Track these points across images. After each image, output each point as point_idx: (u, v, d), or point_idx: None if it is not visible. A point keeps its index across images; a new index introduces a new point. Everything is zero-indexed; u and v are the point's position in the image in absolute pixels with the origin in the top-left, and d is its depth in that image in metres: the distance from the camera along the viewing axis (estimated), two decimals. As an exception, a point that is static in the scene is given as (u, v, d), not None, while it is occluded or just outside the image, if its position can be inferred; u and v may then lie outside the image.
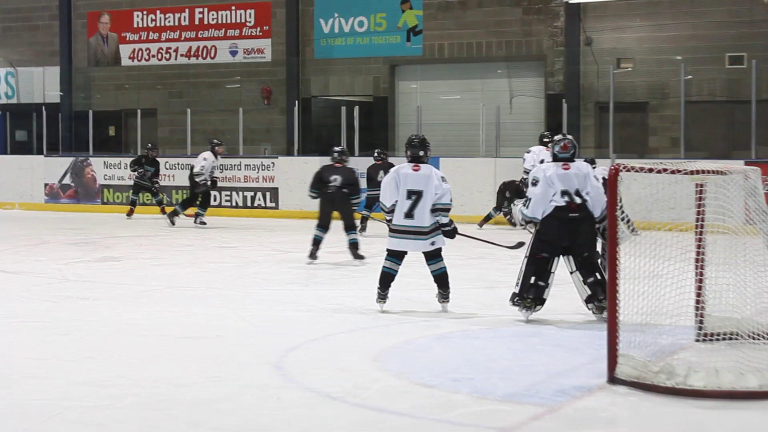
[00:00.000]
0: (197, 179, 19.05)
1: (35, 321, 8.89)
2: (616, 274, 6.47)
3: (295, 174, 21.05)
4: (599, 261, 8.84)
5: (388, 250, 9.46)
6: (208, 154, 19.19)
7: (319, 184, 13.47)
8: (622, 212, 8.68)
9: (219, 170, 20.01)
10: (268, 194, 21.44)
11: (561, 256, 8.84)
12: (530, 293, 8.77)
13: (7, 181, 24.27)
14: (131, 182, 21.54)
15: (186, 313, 9.35)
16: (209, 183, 19.11)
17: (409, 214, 9.21)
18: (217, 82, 26.14)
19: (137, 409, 5.95)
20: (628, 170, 6.53)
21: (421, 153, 9.41)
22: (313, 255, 13.18)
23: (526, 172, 16.85)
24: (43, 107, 25.32)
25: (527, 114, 22.98)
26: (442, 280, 9.41)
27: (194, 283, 11.42)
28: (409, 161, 9.45)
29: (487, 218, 18.20)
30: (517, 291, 8.87)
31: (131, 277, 11.96)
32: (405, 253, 9.44)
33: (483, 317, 9.10)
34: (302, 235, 17.37)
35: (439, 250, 9.37)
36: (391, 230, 9.40)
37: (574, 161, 8.92)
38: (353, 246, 13.39)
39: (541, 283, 8.78)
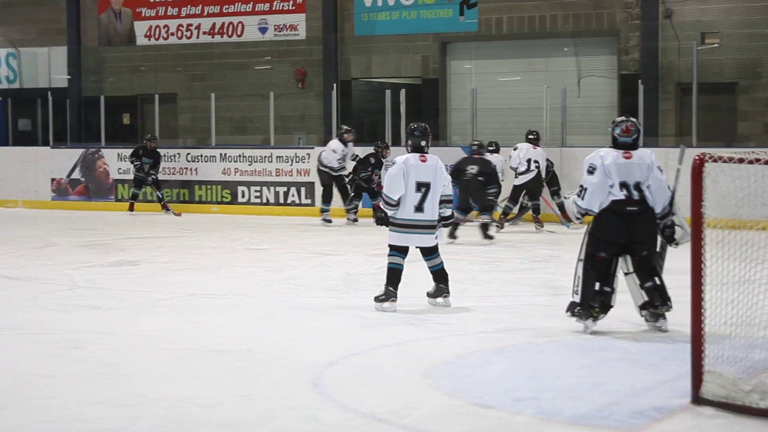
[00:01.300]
0: (341, 173, 19.45)
1: (42, 333, 8.97)
2: (701, 279, 6.43)
3: (333, 166, 21.11)
4: (658, 262, 8.82)
5: (391, 246, 9.97)
6: (336, 144, 19.40)
7: (456, 173, 15.98)
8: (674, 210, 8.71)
9: (352, 159, 19.86)
10: (303, 189, 21.51)
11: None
12: (596, 301, 8.69)
13: (9, 176, 24.50)
14: (132, 176, 22.38)
15: (211, 323, 9.40)
16: (346, 174, 19.51)
17: (419, 208, 9.79)
18: (245, 63, 26.26)
19: None
20: (715, 160, 6.48)
21: (423, 143, 10.01)
22: (452, 235, 15.84)
23: (512, 169, 18.43)
24: (49, 92, 25.53)
25: (598, 97, 22.88)
26: (442, 274, 10.05)
27: (220, 290, 11.48)
28: (410, 152, 10.00)
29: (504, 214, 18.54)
30: (577, 300, 8.77)
31: (149, 283, 12.05)
32: (408, 247, 10.00)
33: (548, 328, 9.06)
34: (342, 235, 17.47)
35: (437, 245, 10.00)
36: (394, 224, 9.90)
37: (636, 148, 8.84)
38: (484, 227, 16.16)
39: (607, 289, 8.71)
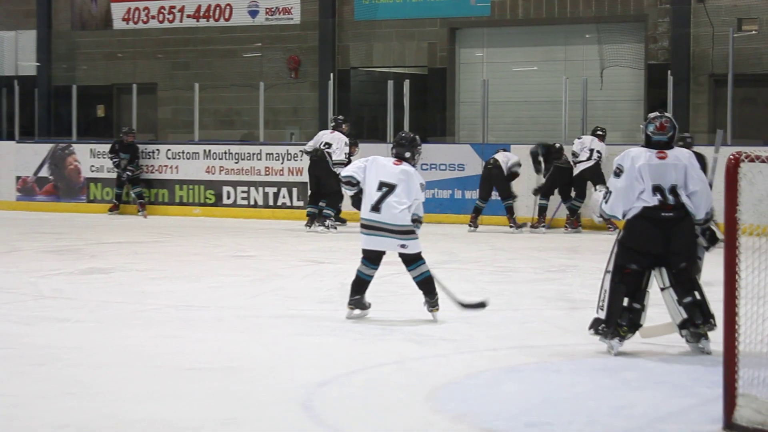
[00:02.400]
0: (337, 170, 18.71)
1: (3, 348, 8.94)
2: (735, 292, 6.41)
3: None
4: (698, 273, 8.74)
5: (362, 250, 10.14)
6: (342, 137, 19.23)
7: None
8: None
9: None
10: (295, 190, 21.51)
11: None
12: (624, 319, 8.55)
13: (-30, 174, 24.50)
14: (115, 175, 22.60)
15: (191, 338, 9.38)
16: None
17: (375, 207, 9.91)
18: (233, 50, 26.28)
19: (130, 458, 5.99)
20: (752, 160, 6.46)
21: (408, 154, 10.16)
22: None
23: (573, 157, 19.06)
24: (15, 81, 25.54)
25: (622, 89, 22.90)
26: (425, 286, 10.04)
27: (202, 301, 11.48)
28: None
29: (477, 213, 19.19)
30: (602, 317, 8.63)
31: (123, 293, 12.03)
32: (380, 254, 10.08)
33: (564, 346, 9.05)
34: (337, 241, 17.44)
35: (418, 254, 10.01)
36: (361, 225, 10.11)
37: (672, 147, 8.75)
38: None
39: (637, 306, 8.57)
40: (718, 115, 21.31)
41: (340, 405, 7.09)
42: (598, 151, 18.76)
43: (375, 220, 9.92)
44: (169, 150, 22.75)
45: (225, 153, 22.16)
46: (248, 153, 21.94)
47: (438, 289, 10.04)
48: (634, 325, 8.59)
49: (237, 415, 6.76)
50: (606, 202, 8.66)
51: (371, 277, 10.14)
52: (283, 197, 21.64)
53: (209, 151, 22.39)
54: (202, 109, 23.69)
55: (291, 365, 8.32)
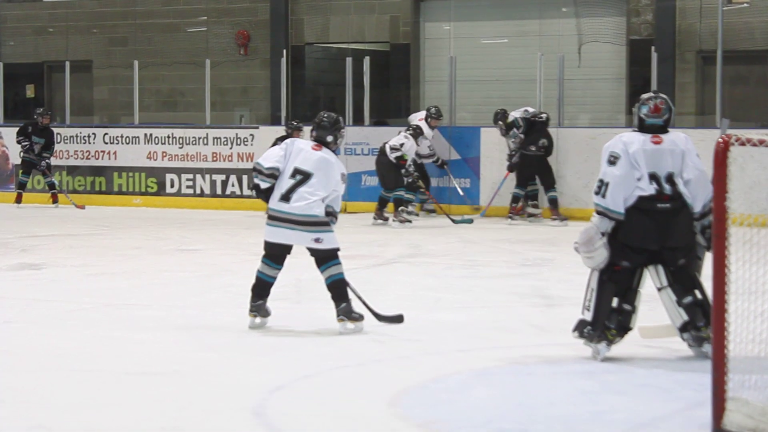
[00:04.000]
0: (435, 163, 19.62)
1: (-75, 351, 8.94)
2: (725, 287, 6.43)
3: (282, 150, 21.07)
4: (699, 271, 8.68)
5: (264, 242, 9.83)
6: (423, 129, 19.29)
7: None
8: None
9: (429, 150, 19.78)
10: (245, 178, 21.47)
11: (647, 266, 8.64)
12: (612, 322, 8.44)
13: None
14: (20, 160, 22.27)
15: (132, 339, 9.36)
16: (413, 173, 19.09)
17: (285, 197, 9.62)
18: (176, 25, 26.19)
19: (64, 471, 5.98)
20: (742, 143, 6.48)
21: (330, 138, 9.89)
22: None
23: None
24: (-65, 58, 25.40)
25: (602, 67, 22.94)
26: (336, 290, 9.66)
27: (143, 299, 11.48)
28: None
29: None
30: (589, 318, 8.51)
31: (57, 291, 12.03)
32: (285, 251, 9.79)
33: (539, 346, 9.08)
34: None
35: (334, 252, 9.67)
36: (267, 216, 9.79)
37: (668, 131, 8.73)
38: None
39: (627, 307, 8.46)
40: (706, 95, 21.39)
41: (296, 411, 7.09)
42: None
43: (283, 210, 9.60)
44: (106, 134, 22.64)
45: (168, 137, 22.08)
46: (193, 137, 21.88)
47: (352, 297, 9.70)
48: (624, 329, 8.47)
49: (182, 424, 6.76)
50: (603, 197, 8.41)
51: (274, 278, 9.86)
52: (232, 185, 21.60)
53: (150, 135, 22.30)
54: (142, 89, 23.59)
55: (241, 369, 8.33)
